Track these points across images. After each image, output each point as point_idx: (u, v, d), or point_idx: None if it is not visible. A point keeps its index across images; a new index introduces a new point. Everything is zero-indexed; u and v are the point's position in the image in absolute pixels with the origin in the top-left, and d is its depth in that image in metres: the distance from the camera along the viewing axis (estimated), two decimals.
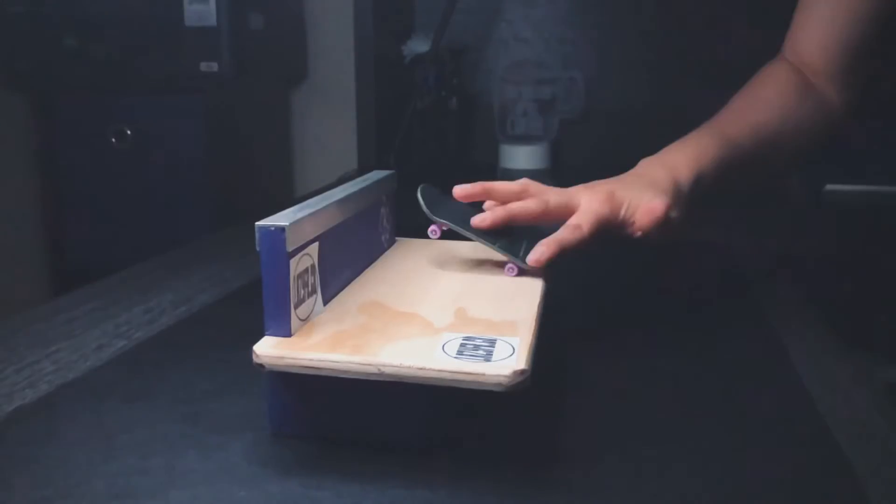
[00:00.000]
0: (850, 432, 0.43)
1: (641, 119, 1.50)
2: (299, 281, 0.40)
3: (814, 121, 0.70)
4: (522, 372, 0.36)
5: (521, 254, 0.52)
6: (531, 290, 0.48)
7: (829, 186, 1.33)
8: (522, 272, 0.51)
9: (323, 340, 0.39)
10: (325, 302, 0.44)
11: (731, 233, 0.94)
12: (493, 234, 0.53)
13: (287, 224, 0.38)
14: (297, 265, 0.40)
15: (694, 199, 0.62)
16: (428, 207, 0.51)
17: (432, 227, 0.52)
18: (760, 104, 0.70)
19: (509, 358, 0.37)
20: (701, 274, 0.76)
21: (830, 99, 0.71)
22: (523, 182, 0.58)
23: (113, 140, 1.58)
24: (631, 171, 0.62)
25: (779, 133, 0.69)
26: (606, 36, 1.54)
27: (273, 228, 0.38)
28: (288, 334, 0.39)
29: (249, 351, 0.38)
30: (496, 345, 0.39)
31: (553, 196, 0.56)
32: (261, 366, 0.38)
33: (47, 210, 1.70)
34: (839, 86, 0.71)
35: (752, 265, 0.80)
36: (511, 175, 1.46)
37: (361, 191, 0.50)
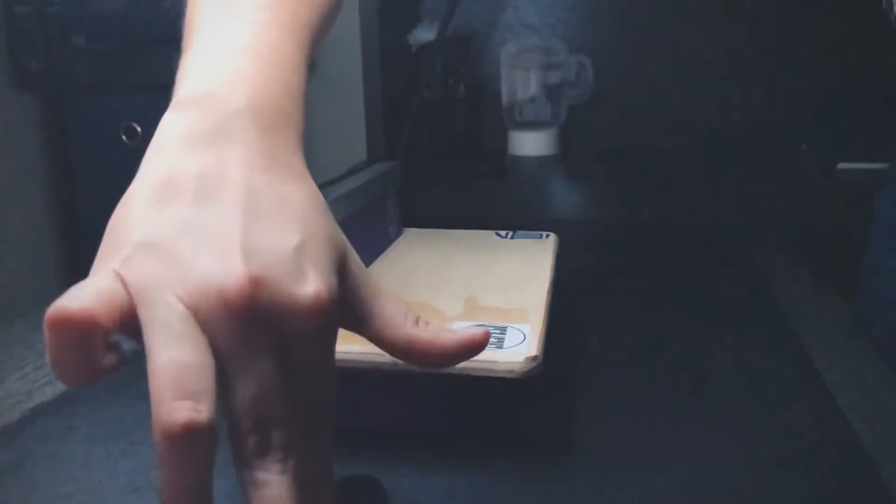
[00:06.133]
0: (862, 413, 0.43)
1: (650, 103, 1.49)
2: None
3: None
4: (534, 358, 0.36)
5: None
6: (540, 278, 0.49)
7: (841, 165, 1.32)
8: None
9: None
10: None
11: (741, 214, 0.94)
12: None
13: None
14: None
15: None
16: None
17: None
18: None
19: (521, 345, 0.37)
20: (712, 259, 0.76)
21: None
22: None
23: (124, 138, 1.59)
24: None
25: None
26: (614, 19, 1.53)
27: None
28: None
29: None
30: (507, 332, 0.39)
31: None
32: None
33: (60, 210, 1.71)
34: None
35: (761, 247, 0.79)
36: (521, 161, 1.46)
37: (368, 183, 0.51)
